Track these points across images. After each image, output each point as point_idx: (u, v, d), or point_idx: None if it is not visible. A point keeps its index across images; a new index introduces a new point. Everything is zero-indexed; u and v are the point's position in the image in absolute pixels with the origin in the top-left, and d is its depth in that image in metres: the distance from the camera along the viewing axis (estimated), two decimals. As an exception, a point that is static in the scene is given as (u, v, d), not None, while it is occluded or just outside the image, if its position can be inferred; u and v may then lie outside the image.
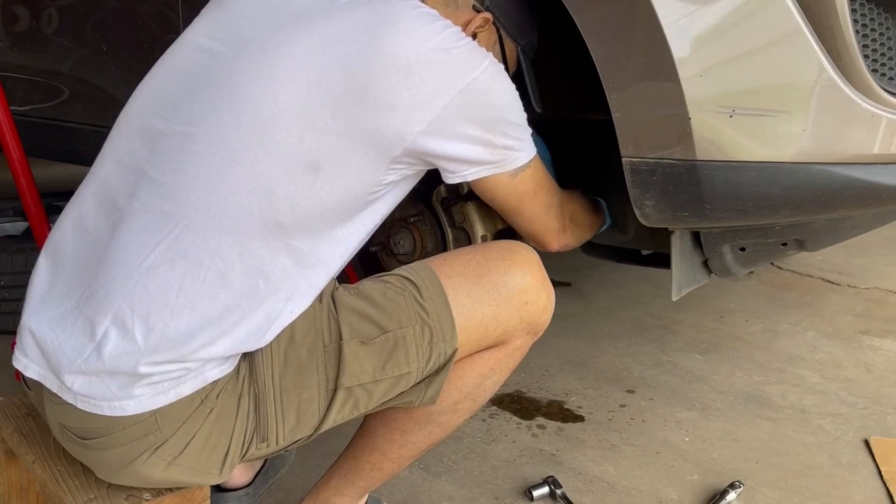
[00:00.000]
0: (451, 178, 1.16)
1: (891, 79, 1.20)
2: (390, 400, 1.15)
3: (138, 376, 0.99)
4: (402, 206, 1.44)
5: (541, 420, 1.87)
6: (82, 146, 2.27)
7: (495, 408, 1.92)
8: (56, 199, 2.18)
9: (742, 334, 2.35)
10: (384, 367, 1.10)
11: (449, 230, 1.52)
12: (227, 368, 1.04)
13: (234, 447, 1.07)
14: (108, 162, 1.12)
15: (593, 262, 2.05)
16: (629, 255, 1.77)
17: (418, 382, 1.15)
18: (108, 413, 1.00)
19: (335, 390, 1.09)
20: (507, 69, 1.21)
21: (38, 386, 1.07)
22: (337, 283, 1.15)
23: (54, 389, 1.03)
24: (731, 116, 1.17)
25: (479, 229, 1.48)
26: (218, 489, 1.47)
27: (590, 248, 1.74)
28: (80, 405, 1.01)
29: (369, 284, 1.15)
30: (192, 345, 1.00)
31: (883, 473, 1.64)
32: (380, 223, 1.19)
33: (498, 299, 1.16)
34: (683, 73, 1.16)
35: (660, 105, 1.20)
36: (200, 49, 1.13)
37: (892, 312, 2.50)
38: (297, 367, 1.08)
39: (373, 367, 1.10)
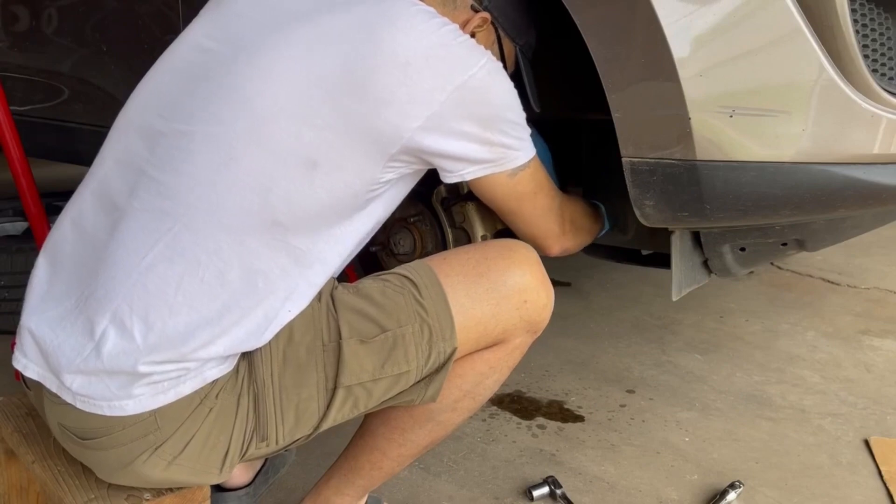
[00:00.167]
0: (449, 178, 1.15)
1: (891, 79, 1.20)
2: (390, 399, 1.15)
3: (138, 376, 0.99)
4: (402, 206, 1.44)
5: (541, 420, 1.87)
6: (82, 146, 2.27)
7: (495, 408, 1.92)
8: (56, 199, 2.17)
9: (742, 334, 2.35)
10: (383, 365, 1.10)
11: (449, 230, 1.52)
12: (226, 368, 1.04)
13: (233, 447, 1.07)
14: (108, 161, 1.12)
15: (593, 262, 2.05)
16: (629, 255, 1.77)
17: (418, 381, 1.15)
18: (107, 413, 1.00)
19: (334, 389, 1.09)
20: (505, 69, 1.21)
21: (37, 386, 1.07)
22: (336, 282, 1.15)
23: (54, 389, 1.03)
24: (731, 116, 1.17)
25: (479, 229, 1.48)
26: (218, 489, 1.47)
27: (590, 248, 1.74)
28: (79, 405, 1.01)
29: (368, 283, 1.15)
30: (192, 344, 1.00)
31: (883, 473, 1.64)
32: (379, 224, 1.19)
33: (497, 298, 1.15)
34: (683, 73, 1.16)
35: (660, 105, 1.20)
36: (199, 49, 1.13)
37: (892, 312, 2.50)
38: (297, 367, 1.07)
39: (372, 366, 1.10)
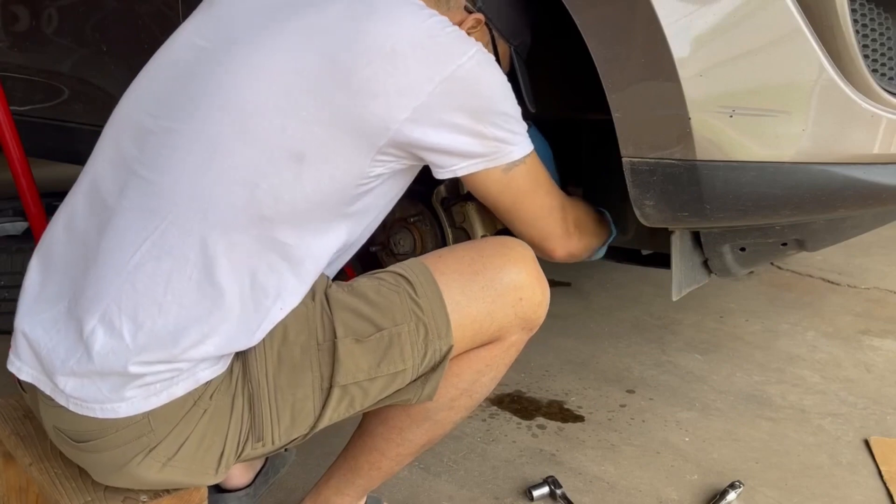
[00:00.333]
0: (441, 174, 1.13)
1: (891, 79, 1.20)
2: (387, 398, 1.15)
3: (129, 377, 0.99)
4: (402, 206, 1.44)
5: (541, 420, 1.87)
6: (82, 146, 2.26)
7: (495, 408, 1.92)
8: (56, 199, 2.17)
9: (742, 334, 2.35)
10: (379, 364, 1.10)
11: (449, 230, 1.52)
12: (219, 369, 1.04)
13: (228, 447, 1.07)
14: (99, 161, 1.11)
15: (593, 262, 2.05)
16: (629, 255, 1.77)
17: (414, 380, 1.14)
18: (100, 415, 1.00)
19: (330, 389, 1.08)
20: (499, 70, 1.20)
21: (32, 389, 1.06)
22: (330, 281, 1.14)
23: (48, 392, 1.02)
24: (731, 116, 1.17)
25: (479, 230, 1.48)
26: (218, 489, 1.47)
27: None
28: (72, 408, 1.01)
29: (363, 281, 1.14)
30: (182, 343, 0.99)
31: (883, 473, 1.64)
32: (373, 223, 1.19)
33: (493, 295, 1.15)
34: (683, 73, 1.15)
35: (660, 105, 1.20)
36: (190, 47, 1.13)
37: (892, 312, 2.50)
38: (291, 366, 1.07)
39: (368, 365, 1.09)
